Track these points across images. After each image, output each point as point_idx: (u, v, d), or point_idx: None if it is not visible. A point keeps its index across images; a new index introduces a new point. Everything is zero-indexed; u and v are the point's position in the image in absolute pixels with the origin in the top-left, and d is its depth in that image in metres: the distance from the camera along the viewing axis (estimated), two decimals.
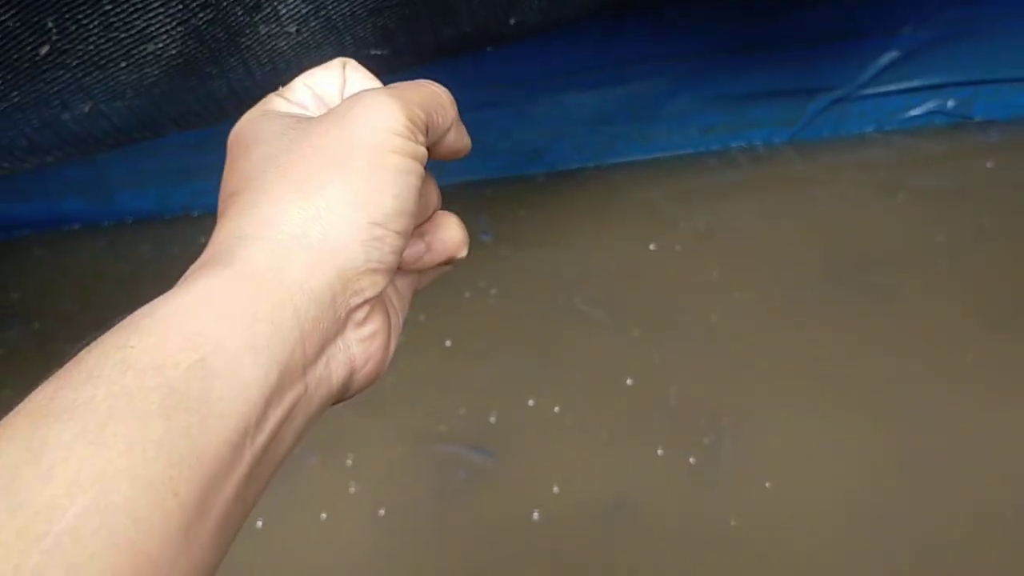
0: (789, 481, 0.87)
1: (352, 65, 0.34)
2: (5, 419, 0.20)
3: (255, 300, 0.23)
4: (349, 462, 0.94)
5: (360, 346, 0.28)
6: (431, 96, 0.31)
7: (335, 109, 0.29)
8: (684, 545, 0.84)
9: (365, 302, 0.27)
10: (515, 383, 1.00)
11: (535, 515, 0.87)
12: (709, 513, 0.85)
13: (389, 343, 0.30)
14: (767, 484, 0.87)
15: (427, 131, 0.30)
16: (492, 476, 0.91)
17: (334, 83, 0.33)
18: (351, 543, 0.88)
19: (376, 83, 0.33)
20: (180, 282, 0.25)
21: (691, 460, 0.89)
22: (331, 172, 0.26)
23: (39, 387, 0.21)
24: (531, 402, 0.97)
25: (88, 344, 0.22)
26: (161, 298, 0.23)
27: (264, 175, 0.27)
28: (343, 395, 0.29)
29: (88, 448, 0.19)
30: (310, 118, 0.30)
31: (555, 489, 0.88)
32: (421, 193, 0.30)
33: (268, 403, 0.22)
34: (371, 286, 0.27)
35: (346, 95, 0.33)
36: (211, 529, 0.21)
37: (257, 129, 0.30)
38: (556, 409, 0.96)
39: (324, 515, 0.90)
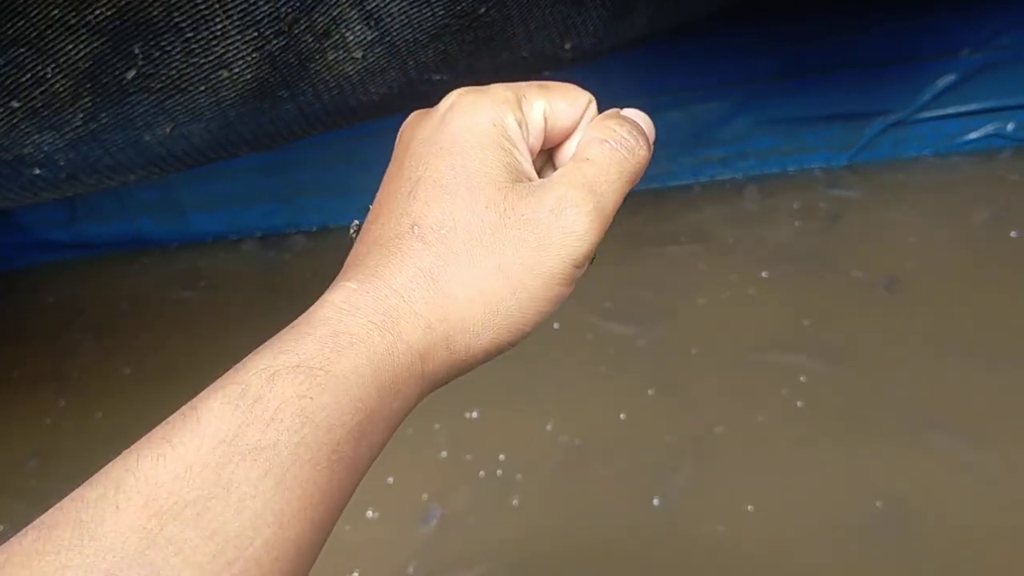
0: None
1: (592, 109, 0.32)
2: (181, 445, 0.23)
3: (398, 381, 0.27)
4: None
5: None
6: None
7: (541, 210, 0.28)
8: None
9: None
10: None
11: None
12: None
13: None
14: None
15: None
16: None
17: (568, 121, 0.32)
18: None
19: (599, 141, 0.30)
20: (343, 308, 0.27)
21: None
22: (500, 292, 0.28)
23: (207, 410, 0.24)
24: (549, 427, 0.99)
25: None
26: (332, 345, 0.26)
27: (450, 237, 0.28)
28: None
29: (273, 488, 0.23)
30: (519, 196, 0.29)
31: None
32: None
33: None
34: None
35: (572, 148, 0.32)
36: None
37: (481, 146, 0.29)
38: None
39: None
